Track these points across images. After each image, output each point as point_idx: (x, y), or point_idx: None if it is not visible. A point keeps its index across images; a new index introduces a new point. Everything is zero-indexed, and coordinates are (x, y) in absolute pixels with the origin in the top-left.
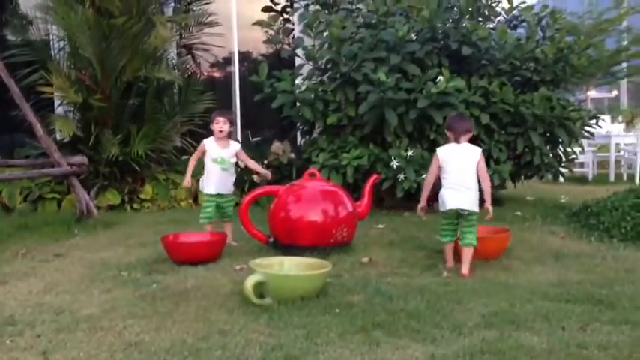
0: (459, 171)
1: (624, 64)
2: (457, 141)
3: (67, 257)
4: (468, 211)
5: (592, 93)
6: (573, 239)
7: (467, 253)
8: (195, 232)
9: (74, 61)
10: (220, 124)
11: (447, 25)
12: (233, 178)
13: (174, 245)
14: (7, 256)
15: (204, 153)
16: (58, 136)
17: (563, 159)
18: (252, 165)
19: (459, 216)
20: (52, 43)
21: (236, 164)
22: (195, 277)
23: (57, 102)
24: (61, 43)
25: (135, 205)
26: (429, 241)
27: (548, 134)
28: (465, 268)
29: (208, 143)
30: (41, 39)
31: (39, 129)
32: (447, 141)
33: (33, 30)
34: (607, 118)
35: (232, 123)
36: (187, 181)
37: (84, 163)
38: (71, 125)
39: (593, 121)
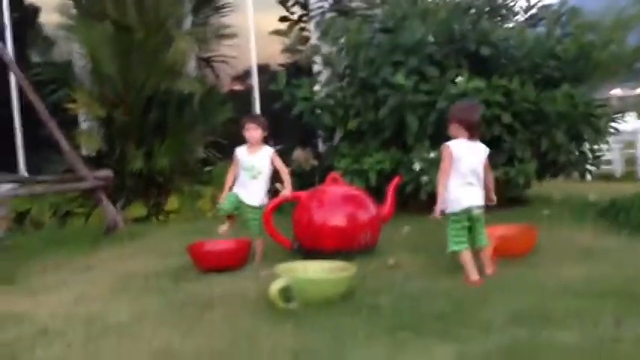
0: (473, 169)
1: None
2: (472, 136)
3: (96, 269)
4: (481, 208)
5: (617, 91)
6: (603, 236)
7: (487, 254)
8: (221, 240)
9: (97, 78)
10: (251, 131)
11: (465, 26)
12: (262, 187)
13: (200, 254)
14: (38, 270)
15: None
16: (84, 151)
17: (590, 156)
18: (284, 175)
19: (468, 217)
20: (74, 60)
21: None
22: (222, 284)
23: (81, 118)
24: (84, 61)
25: (160, 217)
26: None
27: (572, 131)
28: (490, 268)
29: (240, 151)
30: (64, 58)
31: (65, 145)
32: (453, 134)
33: (56, 49)
34: (633, 114)
35: (265, 128)
36: (223, 197)
37: (109, 176)
38: (96, 140)
39: (620, 115)
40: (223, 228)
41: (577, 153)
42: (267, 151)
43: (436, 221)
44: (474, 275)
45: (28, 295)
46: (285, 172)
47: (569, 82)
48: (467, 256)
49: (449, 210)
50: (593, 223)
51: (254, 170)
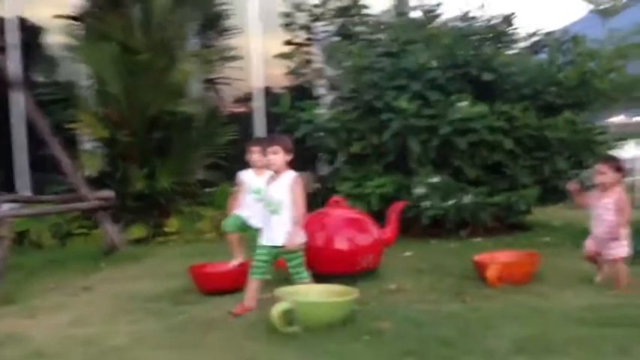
0: None
1: None
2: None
3: (95, 290)
4: None
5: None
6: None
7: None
8: (221, 262)
9: (101, 98)
10: (255, 154)
11: (468, 51)
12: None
13: (201, 276)
14: (37, 290)
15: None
16: (86, 172)
17: (590, 183)
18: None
19: None
20: (78, 81)
21: None
22: (222, 307)
23: (84, 138)
24: (88, 81)
25: (160, 239)
26: (456, 268)
27: (573, 158)
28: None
29: (246, 175)
30: (68, 78)
31: (67, 164)
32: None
33: (61, 69)
34: (632, 142)
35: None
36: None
37: (111, 197)
38: (98, 160)
39: (619, 143)
40: (234, 263)
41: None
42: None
43: (447, 245)
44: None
45: (27, 315)
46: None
47: (571, 108)
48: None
49: None
50: None
51: (260, 193)
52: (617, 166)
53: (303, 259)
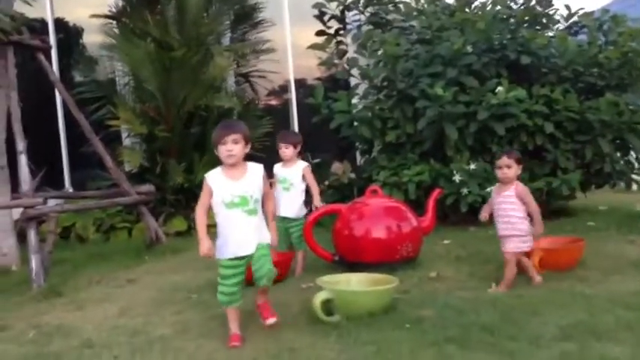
0: None
1: None
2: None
3: (139, 282)
4: None
5: None
6: None
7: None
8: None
9: (138, 95)
10: (282, 149)
11: (504, 35)
12: (296, 200)
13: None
14: (83, 284)
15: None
16: (127, 167)
17: (636, 166)
18: (314, 188)
19: None
20: (117, 79)
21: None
22: None
23: (124, 134)
24: (126, 79)
25: None
26: (496, 255)
27: (618, 141)
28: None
29: (276, 167)
30: (107, 76)
31: (108, 160)
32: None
33: (99, 68)
34: None
35: (297, 144)
36: None
37: (151, 191)
38: (138, 156)
39: None
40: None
41: (622, 162)
42: (301, 165)
43: (485, 232)
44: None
45: (74, 308)
46: (314, 186)
47: (613, 90)
48: None
49: None
50: None
51: (286, 182)
52: (519, 158)
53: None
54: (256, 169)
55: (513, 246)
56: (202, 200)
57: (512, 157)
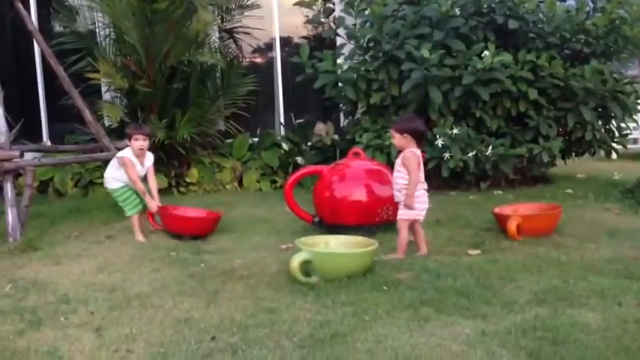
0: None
1: None
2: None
3: (118, 239)
4: None
5: None
6: (628, 216)
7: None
8: (193, 208)
9: (119, 48)
10: (140, 141)
11: None
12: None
13: (167, 217)
14: (60, 239)
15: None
16: (106, 122)
17: (617, 134)
18: (152, 184)
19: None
20: (97, 30)
21: None
22: (242, 257)
23: (104, 88)
24: (107, 31)
25: (181, 189)
26: (476, 220)
27: (600, 109)
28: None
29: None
30: (87, 27)
31: (87, 115)
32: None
33: (79, 19)
34: None
35: (150, 137)
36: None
37: None
38: (118, 111)
39: None
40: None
41: (603, 131)
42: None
43: (466, 197)
44: None
45: (51, 262)
46: (154, 185)
47: (599, 57)
48: None
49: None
50: (619, 202)
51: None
52: (400, 128)
53: None
54: None
55: (402, 212)
56: None
57: (393, 128)
